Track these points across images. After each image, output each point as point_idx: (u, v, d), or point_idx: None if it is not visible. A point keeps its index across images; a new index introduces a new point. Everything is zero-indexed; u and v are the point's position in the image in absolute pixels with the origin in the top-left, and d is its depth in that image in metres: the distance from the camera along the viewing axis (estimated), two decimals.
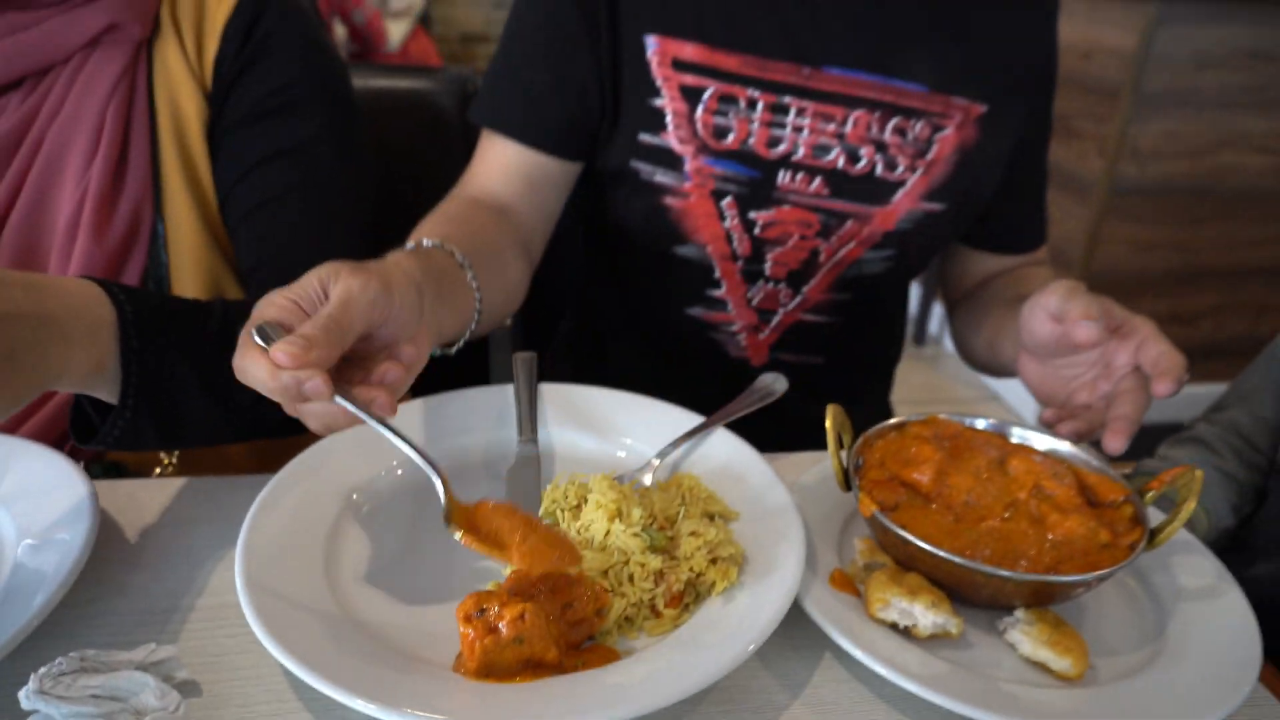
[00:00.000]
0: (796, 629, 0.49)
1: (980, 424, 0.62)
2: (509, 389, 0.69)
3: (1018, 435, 0.62)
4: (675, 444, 0.63)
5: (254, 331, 0.45)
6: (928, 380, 2.74)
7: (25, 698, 0.41)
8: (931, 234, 0.81)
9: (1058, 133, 2.43)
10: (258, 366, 0.44)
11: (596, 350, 0.91)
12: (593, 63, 0.75)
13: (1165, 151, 2.18)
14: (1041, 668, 0.48)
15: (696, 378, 0.80)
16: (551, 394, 0.68)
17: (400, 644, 0.47)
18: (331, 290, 0.47)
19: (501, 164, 0.78)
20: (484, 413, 0.67)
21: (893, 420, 0.61)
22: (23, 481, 0.56)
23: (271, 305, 0.47)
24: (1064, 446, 0.60)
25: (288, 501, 0.55)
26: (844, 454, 0.57)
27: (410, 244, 0.63)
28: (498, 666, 0.45)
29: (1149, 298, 2.37)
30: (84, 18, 0.66)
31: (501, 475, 0.62)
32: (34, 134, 0.67)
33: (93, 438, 0.55)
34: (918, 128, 0.77)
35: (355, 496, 0.58)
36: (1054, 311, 0.63)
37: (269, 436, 0.63)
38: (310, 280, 0.47)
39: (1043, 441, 0.61)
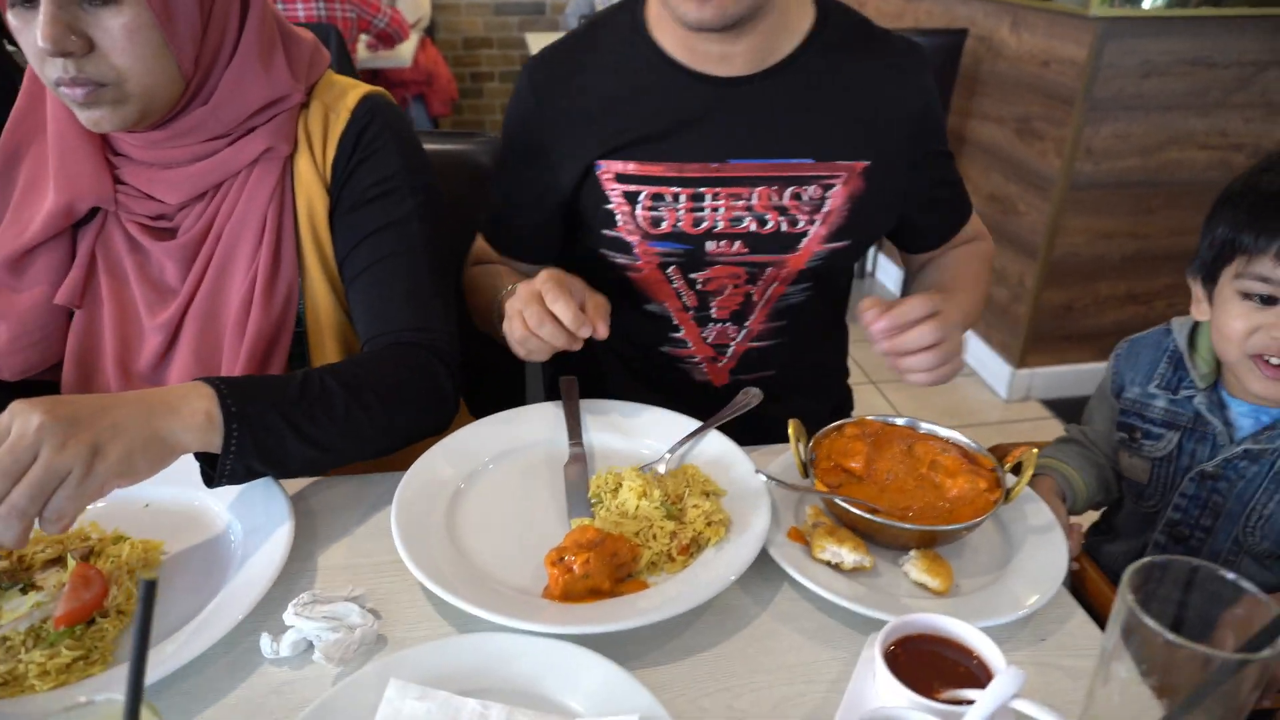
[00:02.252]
0: (766, 566, 0.74)
1: (898, 421, 0.87)
2: (558, 405, 0.94)
3: (924, 428, 0.87)
4: (680, 443, 0.88)
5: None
6: None
7: (286, 618, 0.66)
8: (839, 263, 1.05)
9: (1021, 133, 2.66)
10: (568, 308, 0.79)
11: (597, 377, 1.14)
12: (558, 185, 1.02)
13: (1117, 150, 2.40)
14: (923, 587, 0.73)
15: (673, 399, 1.00)
16: (589, 407, 0.94)
17: (505, 579, 0.73)
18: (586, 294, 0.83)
19: (525, 265, 1.09)
20: (542, 423, 0.92)
21: (833, 424, 0.86)
22: (236, 491, 0.81)
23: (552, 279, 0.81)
24: (955, 435, 0.85)
25: (418, 484, 0.81)
26: (802, 449, 0.82)
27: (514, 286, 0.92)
28: (572, 593, 0.70)
29: (1108, 280, 2.60)
30: (247, 145, 0.88)
31: (560, 469, 0.87)
32: (214, 232, 0.89)
33: (213, 482, 0.75)
34: (810, 190, 0.99)
35: (461, 484, 0.84)
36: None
37: (349, 462, 0.84)
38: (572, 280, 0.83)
39: (940, 431, 0.86)
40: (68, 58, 0.76)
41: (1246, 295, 0.88)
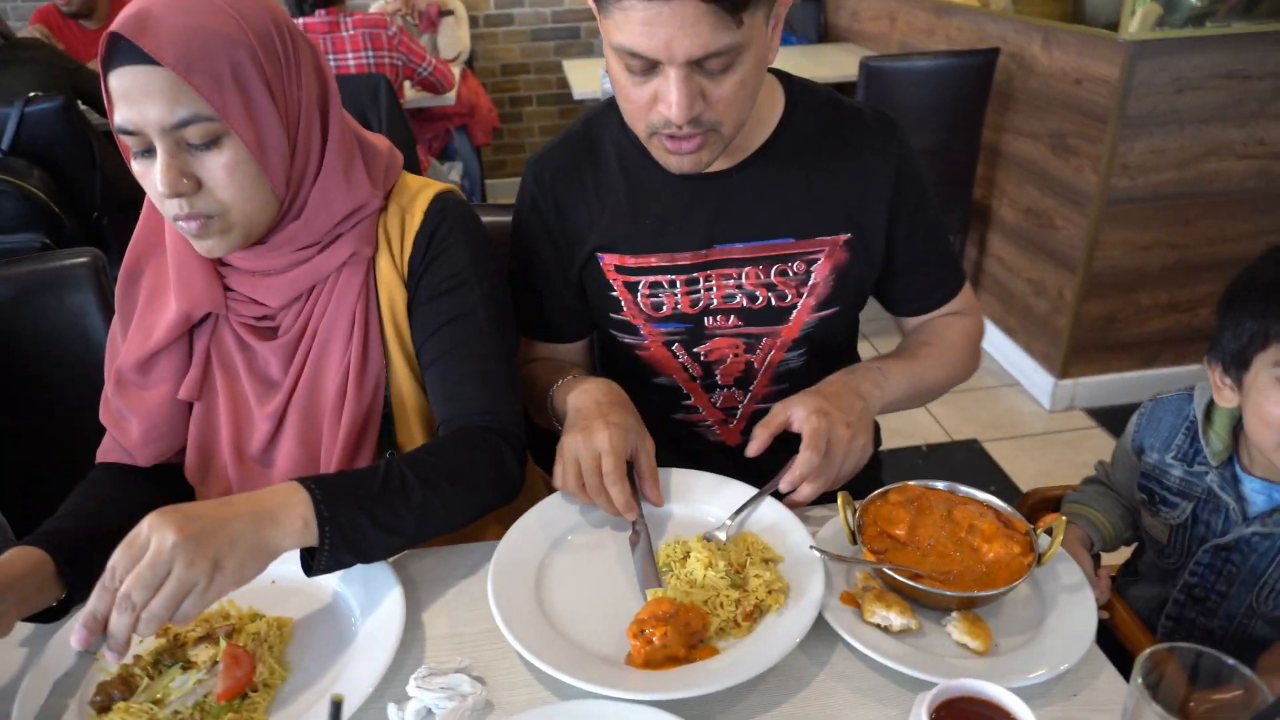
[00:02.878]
0: (821, 629, 0.83)
1: (938, 485, 0.95)
2: None
3: (962, 491, 0.95)
4: (738, 511, 0.97)
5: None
6: None
7: (409, 690, 0.77)
8: (832, 329, 1.13)
9: (1056, 149, 2.71)
10: (622, 494, 0.92)
11: None
12: (566, 268, 1.13)
13: (1153, 165, 2.44)
14: (964, 647, 0.81)
15: (692, 459, 1.08)
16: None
17: (593, 648, 0.83)
18: (639, 449, 0.96)
19: (561, 347, 1.21)
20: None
21: (879, 491, 0.94)
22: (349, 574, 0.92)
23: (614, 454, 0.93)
24: (992, 499, 0.93)
25: (505, 561, 0.91)
26: (850, 516, 0.91)
27: (569, 376, 1.06)
28: (652, 661, 0.80)
29: (1148, 290, 2.63)
30: (336, 251, 0.99)
31: (625, 539, 0.97)
32: (309, 331, 1.01)
33: (312, 572, 0.85)
34: (795, 266, 1.08)
35: (543, 558, 0.94)
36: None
37: (424, 542, 0.95)
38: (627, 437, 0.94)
39: (977, 495, 0.94)
40: (181, 197, 0.88)
41: None
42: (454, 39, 4.23)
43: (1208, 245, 2.57)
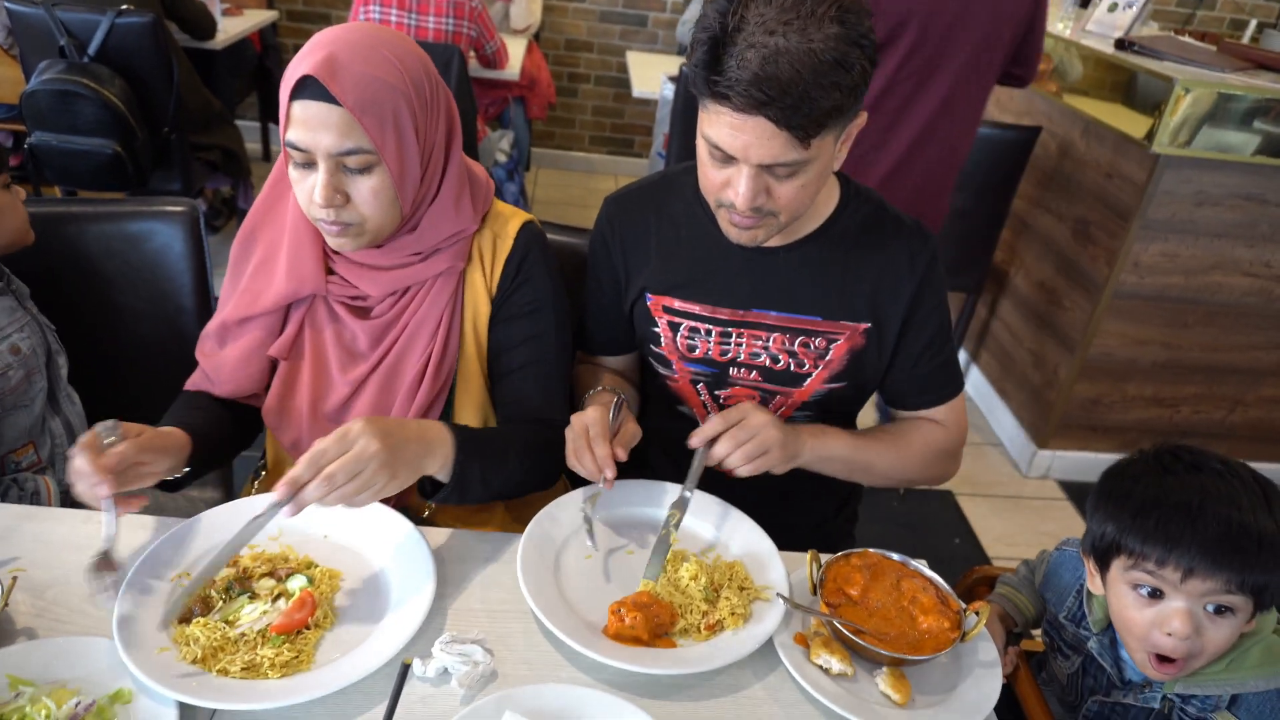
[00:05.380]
0: (773, 659, 1.00)
1: (894, 556, 1.12)
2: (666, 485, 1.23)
3: (913, 565, 1.11)
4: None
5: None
6: None
7: (434, 650, 0.94)
8: (838, 400, 1.28)
9: (1077, 235, 2.85)
10: (592, 460, 1.08)
11: (642, 458, 1.37)
12: (618, 305, 1.30)
13: (1163, 268, 2.57)
14: (887, 698, 0.98)
15: (699, 483, 1.17)
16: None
17: (583, 615, 1.01)
18: (625, 422, 1.15)
19: (606, 359, 1.39)
20: (646, 497, 1.22)
21: (842, 553, 1.11)
22: (392, 539, 1.10)
23: (598, 423, 1.10)
24: (936, 577, 1.10)
25: (535, 541, 1.09)
26: (816, 571, 1.07)
27: (602, 388, 1.24)
28: (621, 636, 0.98)
29: (1136, 382, 2.79)
30: (436, 262, 1.17)
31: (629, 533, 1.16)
32: (401, 322, 1.18)
33: (432, 496, 1.09)
34: (816, 341, 1.23)
35: (559, 546, 1.12)
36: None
37: (494, 500, 1.18)
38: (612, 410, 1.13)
39: (925, 570, 1.10)
40: (332, 208, 1.05)
41: (1136, 587, 0.96)
42: (527, 10, 4.34)
43: (1200, 350, 2.71)
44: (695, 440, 1.14)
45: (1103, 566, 1.01)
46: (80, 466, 0.94)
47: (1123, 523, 0.96)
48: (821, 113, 0.97)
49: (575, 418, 1.13)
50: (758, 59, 0.94)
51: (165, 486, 1.10)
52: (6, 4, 2.98)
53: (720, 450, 1.12)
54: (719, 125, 1.02)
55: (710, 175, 1.09)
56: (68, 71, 2.85)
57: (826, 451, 1.21)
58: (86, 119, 2.88)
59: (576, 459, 1.11)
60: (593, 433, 1.10)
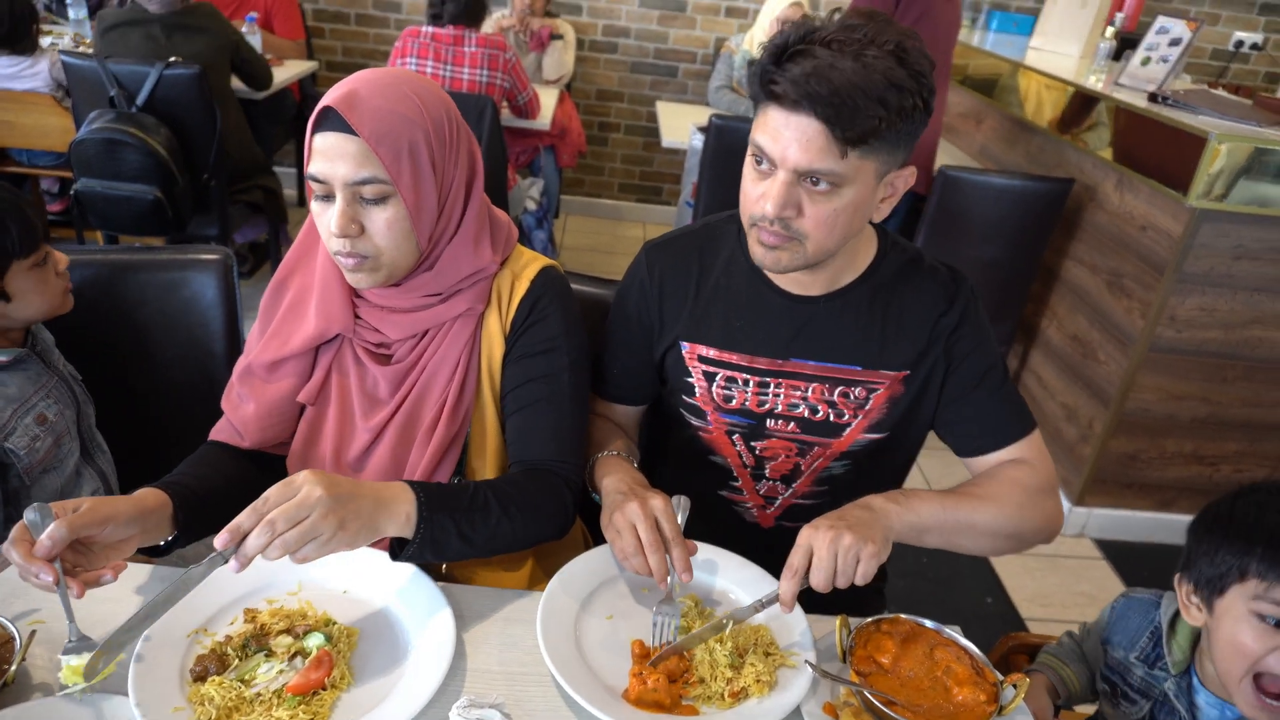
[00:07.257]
0: None
1: (927, 624, 1.08)
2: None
3: (946, 633, 1.07)
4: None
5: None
6: None
7: (451, 715, 0.92)
8: (877, 450, 1.25)
9: (1111, 287, 2.80)
10: (661, 565, 1.04)
11: None
12: (651, 348, 1.29)
13: (1200, 321, 2.52)
14: None
15: (726, 536, 1.20)
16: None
17: (607, 681, 0.98)
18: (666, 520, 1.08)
19: (618, 407, 1.36)
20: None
21: (873, 619, 1.07)
22: (414, 595, 1.08)
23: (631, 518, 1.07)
24: (971, 646, 1.06)
25: (555, 601, 1.07)
26: (845, 637, 1.04)
27: (611, 451, 1.21)
28: (643, 701, 0.95)
29: (1174, 438, 2.71)
30: (455, 303, 1.17)
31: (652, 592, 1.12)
32: (420, 365, 1.18)
33: (398, 557, 1.04)
34: (856, 391, 1.21)
35: (579, 606, 1.09)
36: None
37: (490, 555, 1.14)
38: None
39: (960, 639, 1.06)
40: (348, 238, 1.06)
41: (1262, 617, 0.92)
42: (559, 62, 4.43)
43: (1240, 406, 2.64)
44: (788, 603, 1.03)
45: (1214, 595, 0.97)
46: (16, 561, 0.89)
47: (1253, 550, 0.92)
48: (866, 122, 0.99)
49: (634, 508, 1.07)
50: (813, 65, 0.99)
51: (152, 552, 1.06)
52: (64, 58, 3.09)
53: (821, 584, 1.02)
54: (765, 126, 1.05)
55: (749, 188, 1.11)
56: (116, 121, 2.94)
57: (915, 517, 1.11)
58: (131, 166, 2.96)
59: (638, 554, 1.05)
60: (668, 531, 1.06)
